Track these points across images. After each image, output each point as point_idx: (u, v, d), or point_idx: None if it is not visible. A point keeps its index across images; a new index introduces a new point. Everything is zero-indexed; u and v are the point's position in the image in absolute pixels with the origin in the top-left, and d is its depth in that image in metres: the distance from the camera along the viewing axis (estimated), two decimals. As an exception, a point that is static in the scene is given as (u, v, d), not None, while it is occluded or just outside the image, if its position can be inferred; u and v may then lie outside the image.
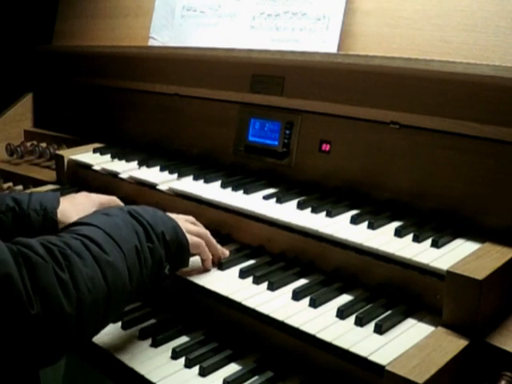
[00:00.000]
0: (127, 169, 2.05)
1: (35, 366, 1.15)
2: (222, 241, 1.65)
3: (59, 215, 1.57)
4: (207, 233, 1.55)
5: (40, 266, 1.07)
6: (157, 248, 1.33)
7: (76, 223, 1.30)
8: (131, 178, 1.99)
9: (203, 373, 1.28)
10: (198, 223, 1.58)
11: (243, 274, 1.49)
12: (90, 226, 1.26)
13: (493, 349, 1.21)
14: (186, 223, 1.51)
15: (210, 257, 1.53)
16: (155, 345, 1.38)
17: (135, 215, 1.35)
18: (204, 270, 1.52)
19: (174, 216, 1.47)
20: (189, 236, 1.45)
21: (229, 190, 1.81)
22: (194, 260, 1.59)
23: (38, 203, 1.57)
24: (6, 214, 1.55)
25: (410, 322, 1.30)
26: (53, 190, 2.10)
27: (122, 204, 1.75)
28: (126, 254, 1.24)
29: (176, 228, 1.41)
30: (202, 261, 1.52)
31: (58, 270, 1.09)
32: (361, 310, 1.31)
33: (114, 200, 1.76)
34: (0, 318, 1.01)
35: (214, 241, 1.55)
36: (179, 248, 1.41)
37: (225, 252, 1.58)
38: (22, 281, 1.04)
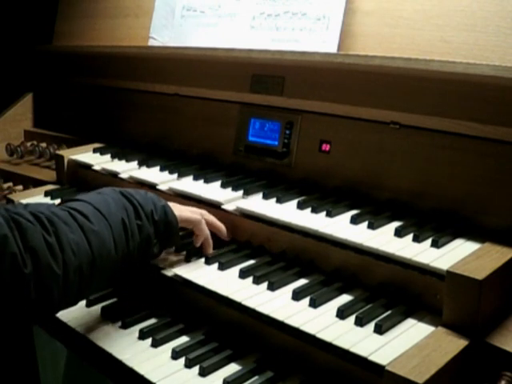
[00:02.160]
0: (127, 169, 2.05)
1: (26, 321, 1.27)
2: (222, 241, 1.65)
3: None
4: (202, 211, 1.61)
5: (29, 229, 1.17)
6: (145, 225, 1.41)
7: (67, 199, 1.39)
8: (131, 178, 1.99)
9: (203, 373, 1.28)
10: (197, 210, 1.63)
11: (243, 274, 1.49)
12: (80, 201, 1.35)
13: (493, 349, 1.21)
14: (181, 207, 1.57)
15: (204, 233, 1.57)
16: (155, 345, 1.38)
17: (126, 195, 1.43)
18: (195, 246, 1.58)
19: (170, 204, 1.52)
20: (180, 213, 1.52)
21: (229, 189, 1.81)
22: (195, 259, 1.59)
23: None
24: None
25: (410, 321, 1.30)
26: (53, 190, 2.10)
27: None
28: (112, 226, 1.32)
29: (165, 207, 1.47)
30: (195, 236, 1.58)
31: (45, 234, 1.19)
32: (361, 310, 1.31)
33: None
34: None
35: (211, 217, 1.62)
36: (168, 226, 1.47)
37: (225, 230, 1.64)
38: (15, 241, 1.14)
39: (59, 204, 1.38)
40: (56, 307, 1.25)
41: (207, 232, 1.59)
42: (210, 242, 1.60)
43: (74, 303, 1.32)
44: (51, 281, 1.18)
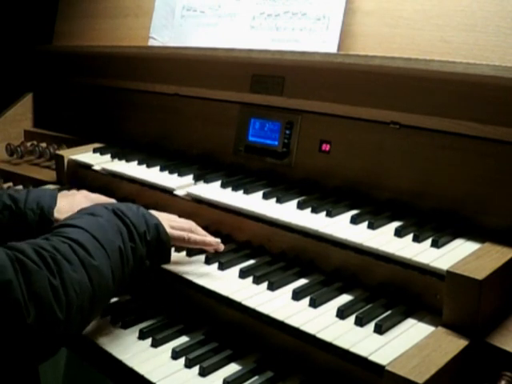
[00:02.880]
0: (127, 169, 2.05)
1: (27, 364, 1.19)
2: (223, 241, 1.65)
3: (56, 215, 1.59)
4: (191, 226, 1.59)
5: (35, 272, 1.11)
6: (138, 247, 1.39)
7: (63, 224, 1.34)
8: (131, 178, 1.99)
9: (203, 373, 1.28)
10: (180, 219, 1.61)
11: (243, 274, 1.49)
12: (76, 228, 1.30)
13: (493, 349, 1.21)
14: (169, 221, 1.54)
15: (199, 242, 1.56)
16: (155, 345, 1.38)
17: (120, 214, 1.40)
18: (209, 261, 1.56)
19: (156, 214, 1.51)
20: (171, 231, 1.49)
21: (229, 189, 1.81)
22: (196, 259, 1.59)
23: (34, 202, 1.59)
24: (2, 213, 1.57)
25: (410, 321, 1.30)
26: (56, 190, 2.10)
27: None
28: (110, 257, 1.29)
29: (158, 226, 1.45)
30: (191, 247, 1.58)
31: (50, 277, 1.13)
32: (361, 310, 1.31)
33: (111, 200, 1.76)
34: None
35: (200, 231, 1.59)
36: (160, 245, 1.45)
37: (217, 242, 1.58)
38: (20, 287, 1.08)
39: (54, 228, 1.34)
40: (57, 347, 1.21)
41: (198, 238, 1.56)
42: (207, 240, 1.57)
43: (75, 335, 1.27)
44: (54, 326, 1.13)
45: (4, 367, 1.11)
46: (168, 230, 1.48)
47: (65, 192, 1.80)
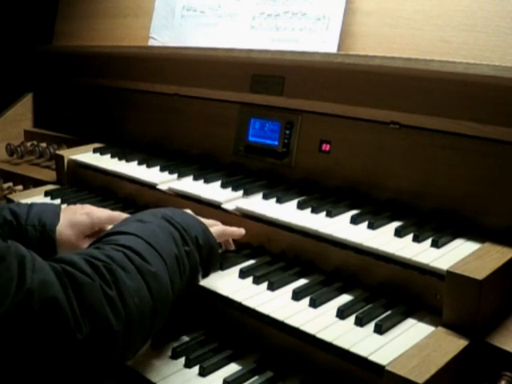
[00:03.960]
0: (128, 169, 2.05)
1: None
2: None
3: (57, 234, 1.52)
4: (220, 227, 1.59)
5: (87, 285, 1.04)
6: (192, 252, 1.32)
7: (112, 232, 1.26)
8: (131, 178, 1.99)
9: (203, 373, 1.28)
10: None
11: (243, 274, 1.49)
12: (128, 234, 1.23)
13: (493, 349, 1.21)
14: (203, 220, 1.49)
15: (227, 242, 1.61)
16: (155, 345, 1.38)
17: (169, 219, 1.33)
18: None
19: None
20: (213, 230, 1.46)
21: (229, 189, 1.81)
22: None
23: (36, 218, 1.53)
24: (2, 228, 1.51)
25: (410, 321, 1.30)
26: (52, 190, 2.10)
27: (122, 215, 1.66)
28: (167, 263, 1.21)
29: (206, 231, 1.40)
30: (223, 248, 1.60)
31: (106, 287, 1.06)
32: (361, 310, 1.31)
33: (117, 216, 1.67)
34: (45, 342, 0.98)
35: (229, 229, 1.61)
36: (210, 250, 1.39)
37: (241, 231, 1.63)
38: (69, 303, 1.00)
39: (101, 238, 1.26)
40: (114, 365, 1.11)
41: (235, 230, 1.61)
42: (239, 232, 1.62)
43: (134, 355, 1.19)
44: (111, 340, 1.05)
45: None
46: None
47: (66, 207, 1.69)
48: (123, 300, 1.07)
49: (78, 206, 1.66)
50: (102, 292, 1.05)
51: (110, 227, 1.54)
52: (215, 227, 1.53)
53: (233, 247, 1.62)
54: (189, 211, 1.51)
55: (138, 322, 1.10)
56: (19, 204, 1.63)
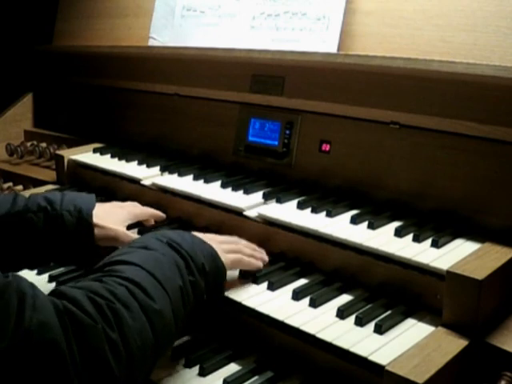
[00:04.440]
0: (128, 169, 2.04)
1: None
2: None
3: (94, 219, 1.51)
4: (239, 245, 1.49)
5: (89, 327, 0.99)
6: (198, 281, 1.27)
7: (116, 261, 1.20)
8: (132, 178, 1.99)
9: (203, 373, 1.28)
10: (226, 238, 1.52)
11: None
12: (131, 265, 1.18)
13: (493, 349, 1.21)
14: (220, 243, 1.43)
15: (253, 266, 1.46)
16: (155, 345, 1.38)
17: (175, 246, 1.28)
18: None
19: (203, 236, 1.40)
20: (225, 257, 1.38)
21: (229, 190, 1.81)
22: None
23: (71, 204, 1.51)
24: (37, 214, 1.48)
25: (410, 321, 1.30)
26: (53, 190, 2.10)
27: (154, 212, 1.71)
28: (171, 298, 1.17)
29: (213, 254, 1.34)
30: (244, 272, 1.47)
31: (108, 330, 1.01)
32: (361, 310, 1.31)
33: (147, 211, 1.71)
34: None
35: (246, 245, 1.50)
36: (217, 276, 1.35)
37: (264, 258, 1.52)
38: (69, 347, 0.95)
39: (104, 266, 1.20)
40: None
41: (251, 261, 1.46)
42: (260, 260, 1.49)
43: None
44: None
45: None
46: (222, 257, 1.37)
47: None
48: (125, 343, 1.03)
49: (110, 203, 1.69)
50: (105, 335, 1.00)
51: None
52: (231, 256, 1.42)
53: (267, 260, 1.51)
54: (199, 234, 1.42)
55: (140, 363, 1.07)
56: (52, 192, 1.61)
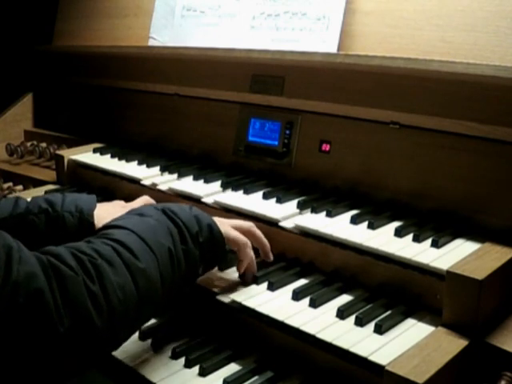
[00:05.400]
0: (128, 169, 2.05)
1: (61, 379, 1.10)
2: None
3: (95, 219, 1.51)
4: (251, 226, 1.49)
5: (70, 278, 1.04)
6: (191, 250, 1.29)
7: (109, 226, 1.26)
8: (132, 178, 1.99)
9: (203, 373, 1.28)
10: (241, 222, 1.51)
11: (242, 275, 1.49)
12: (122, 229, 1.22)
13: (493, 349, 1.21)
14: (229, 223, 1.45)
15: (249, 257, 1.44)
16: (155, 345, 1.38)
17: (170, 215, 1.30)
18: (238, 272, 1.47)
19: (216, 218, 1.40)
20: (227, 231, 1.39)
21: (229, 190, 1.81)
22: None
23: (73, 205, 1.52)
24: (38, 216, 1.49)
25: (410, 322, 1.30)
26: (53, 191, 2.10)
27: (154, 202, 1.71)
28: (158, 259, 1.19)
29: (211, 225, 1.35)
30: (239, 261, 1.45)
31: (89, 282, 1.06)
32: (361, 310, 1.31)
33: (146, 199, 1.72)
34: (28, 334, 0.99)
35: (258, 232, 1.50)
36: (213, 247, 1.35)
37: (269, 255, 1.52)
38: (53, 296, 1.01)
39: (100, 229, 1.26)
40: (97, 359, 1.13)
41: (252, 255, 1.45)
42: (255, 265, 1.46)
43: (120, 345, 1.19)
44: (90, 335, 1.05)
45: (33, 380, 1.04)
46: (223, 229, 1.37)
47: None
48: (106, 295, 1.07)
49: (112, 202, 1.69)
50: (85, 286, 1.05)
51: None
52: (234, 232, 1.42)
53: (241, 271, 1.46)
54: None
55: (122, 317, 1.10)
56: (53, 194, 1.62)
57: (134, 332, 1.22)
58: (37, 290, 0.99)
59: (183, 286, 1.32)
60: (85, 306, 1.04)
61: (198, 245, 1.31)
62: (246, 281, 1.46)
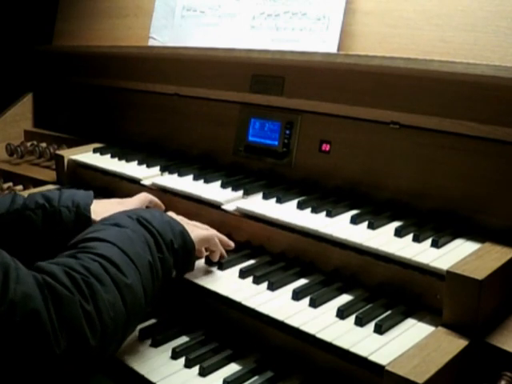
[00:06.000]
0: (128, 169, 2.05)
1: None
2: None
3: (92, 214, 1.53)
4: (213, 231, 1.56)
5: (66, 298, 1.05)
6: (166, 257, 1.32)
7: (88, 238, 1.26)
8: (131, 178, 1.99)
9: (203, 373, 1.28)
10: (201, 225, 1.58)
11: (243, 274, 1.49)
12: (104, 242, 1.23)
13: (493, 349, 1.21)
14: (193, 226, 1.50)
15: (219, 247, 1.54)
16: (155, 345, 1.38)
17: (144, 223, 1.33)
18: (211, 261, 1.55)
19: (179, 218, 1.46)
20: (195, 234, 1.44)
21: (229, 189, 1.81)
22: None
23: (69, 200, 1.53)
24: (35, 212, 1.50)
25: (410, 321, 1.30)
26: (56, 190, 2.09)
27: (154, 199, 1.74)
28: (141, 272, 1.22)
29: (183, 233, 1.39)
30: (210, 252, 1.53)
31: (84, 302, 1.07)
32: (361, 310, 1.31)
33: (145, 196, 1.73)
34: (24, 354, 0.99)
35: (220, 235, 1.58)
36: (186, 253, 1.40)
37: (230, 243, 1.60)
38: (49, 317, 1.01)
39: (78, 242, 1.25)
40: (88, 373, 1.14)
41: (220, 246, 1.55)
42: (224, 252, 1.56)
43: (106, 358, 1.19)
44: (86, 355, 1.07)
45: None
46: (192, 235, 1.42)
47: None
48: (99, 314, 1.09)
49: (109, 200, 1.70)
50: (80, 306, 1.06)
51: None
52: (203, 231, 1.51)
53: (216, 259, 1.55)
54: (170, 213, 1.54)
55: (113, 335, 1.13)
56: (49, 190, 1.62)
57: (120, 345, 1.23)
58: (33, 311, 1.00)
59: (158, 293, 1.34)
60: (80, 326, 1.05)
61: (173, 252, 1.35)
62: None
